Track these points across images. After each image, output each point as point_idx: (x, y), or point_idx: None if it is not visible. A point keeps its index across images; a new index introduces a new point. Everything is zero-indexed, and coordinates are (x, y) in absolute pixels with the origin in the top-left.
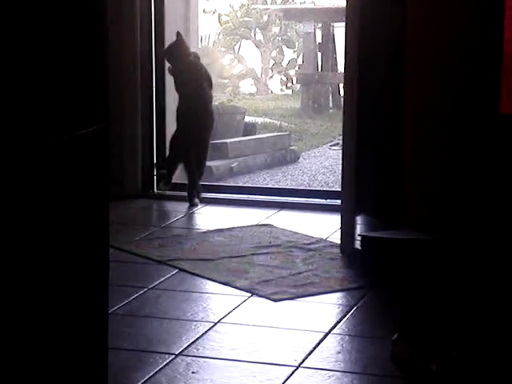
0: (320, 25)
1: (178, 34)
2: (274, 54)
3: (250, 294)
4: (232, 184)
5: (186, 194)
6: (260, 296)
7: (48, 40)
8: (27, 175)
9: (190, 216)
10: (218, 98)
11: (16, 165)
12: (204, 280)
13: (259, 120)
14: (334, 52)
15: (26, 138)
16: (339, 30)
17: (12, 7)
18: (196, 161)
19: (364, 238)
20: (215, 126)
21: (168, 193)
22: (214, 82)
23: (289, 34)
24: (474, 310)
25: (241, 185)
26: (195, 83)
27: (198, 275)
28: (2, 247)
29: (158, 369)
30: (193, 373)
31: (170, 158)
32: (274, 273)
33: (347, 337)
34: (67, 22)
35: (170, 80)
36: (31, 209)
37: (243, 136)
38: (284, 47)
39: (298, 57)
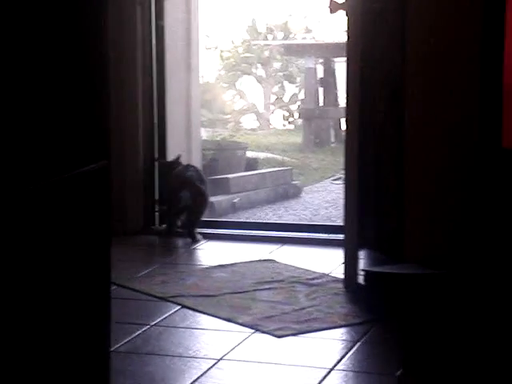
0: (321, 60)
1: (179, 156)
2: (275, 89)
3: (252, 331)
4: (234, 220)
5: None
6: (263, 332)
7: (50, 81)
8: (28, 213)
9: (191, 252)
10: (220, 133)
11: (17, 203)
12: (206, 316)
13: (261, 155)
14: (335, 87)
15: (26, 177)
16: (340, 65)
17: (20, 51)
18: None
19: (367, 273)
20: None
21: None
22: (215, 117)
23: (290, 69)
24: (480, 344)
25: (243, 220)
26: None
27: (200, 311)
28: (2, 286)
29: None
30: None
31: (169, 207)
32: (277, 308)
33: (351, 373)
34: (67, 62)
35: (170, 116)
36: (33, 246)
37: (245, 171)
38: (285, 82)
39: (299, 92)
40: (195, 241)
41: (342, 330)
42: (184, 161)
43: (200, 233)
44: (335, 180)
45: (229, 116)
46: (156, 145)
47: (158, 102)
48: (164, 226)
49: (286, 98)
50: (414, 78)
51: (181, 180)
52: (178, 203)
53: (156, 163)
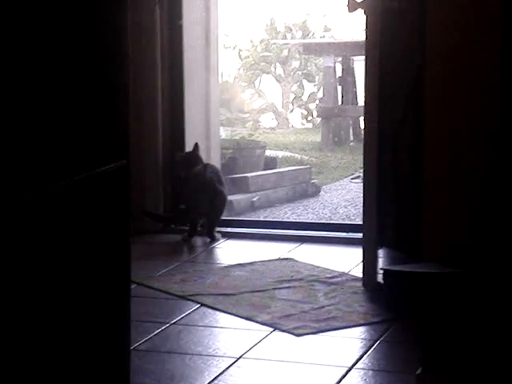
0: (340, 59)
1: (196, 145)
2: (294, 88)
3: (271, 329)
4: (253, 218)
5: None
6: (282, 331)
7: (70, 81)
8: (48, 213)
9: (211, 250)
10: (239, 132)
11: (37, 202)
12: (225, 315)
13: (280, 154)
14: (354, 85)
15: (47, 176)
16: (359, 64)
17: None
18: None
19: (386, 272)
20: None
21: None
22: (234, 116)
23: (309, 68)
24: (499, 343)
25: (261, 219)
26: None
27: (219, 310)
28: (22, 286)
29: None
30: None
31: (188, 209)
32: (296, 307)
33: (370, 371)
34: (87, 62)
35: (189, 115)
36: (52, 246)
37: (264, 170)
38: (304, 81)
39: (318, 90)
40: (214, 240)
41: (361, 329)
42: (203, 159)
43: (219, 231)
44: (354, 179)
45: (247, 115)
46: (175, 144)
47: (176, 101)
48: (181, 225)
49: (304, 97)
50: (433, 77)
51: (200, 182)
52: (198, 206)
53: (175, 156)
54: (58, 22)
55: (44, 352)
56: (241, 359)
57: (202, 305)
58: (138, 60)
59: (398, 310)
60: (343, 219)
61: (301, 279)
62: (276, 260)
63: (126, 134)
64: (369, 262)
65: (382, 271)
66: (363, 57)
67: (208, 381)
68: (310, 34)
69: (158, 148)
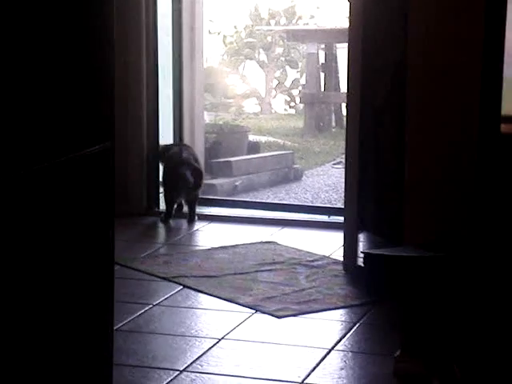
0: (323, 45)
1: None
2: (277, 74)
3: (253, 311)
4: (235, 198)
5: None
6: (264, 313)
7: (55, 65)
8: (33, 194)
9: (194, 233)
10: (223, 117)
11: (22, 183)
12: (208, 297)
13: (263, 139)
14: (337, 72)
15: (31, 158)
16: (342, 51)
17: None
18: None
19: (367, 255)
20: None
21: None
22: (218, 101)
23: (292, 54)
24: (477, 326)
25: (243, 199)
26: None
27: (202, 292)
28: (6, 266)
29: None
30: None
31: (166, 195)
32: (278, 290)
33: (350, 353)
34: (72, 44)
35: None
36: (36, 227)
37: (247, 154)
38: (287, 67)
39: (301, 77)
40: (192, 220)
41: (341, 311)
42: (189, 143)
43: (198, 214)
44: (336, 164)
45: (231, 100)
46: (160, 127)
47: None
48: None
49: (287, 83)
50: (415, 63)
51: (177, 161)
52: (177, 184)
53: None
54: (44, 7)
55: (27, 333)
56: (223, 340)
57: (185, 286)
58: (124, 45)
59: (377, 293)
60: (325, 204)
61: (282, 262)
62: (258, 243)
63: (111, 116)
64: (349, 246)
65: (362, 255)
66: (346, 44)
67: (190, 361)
68: (294, 21)
69: (143, 131)
